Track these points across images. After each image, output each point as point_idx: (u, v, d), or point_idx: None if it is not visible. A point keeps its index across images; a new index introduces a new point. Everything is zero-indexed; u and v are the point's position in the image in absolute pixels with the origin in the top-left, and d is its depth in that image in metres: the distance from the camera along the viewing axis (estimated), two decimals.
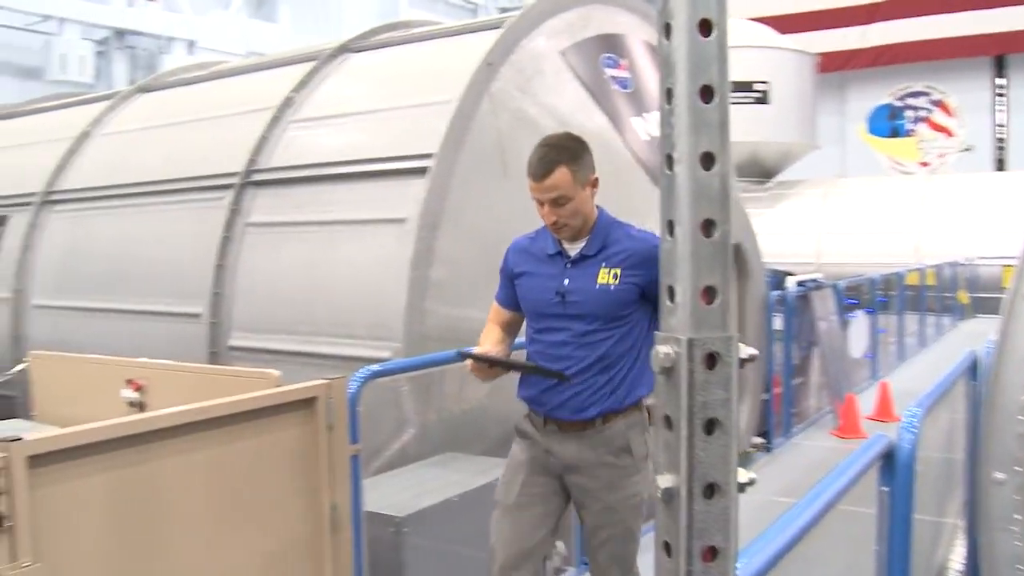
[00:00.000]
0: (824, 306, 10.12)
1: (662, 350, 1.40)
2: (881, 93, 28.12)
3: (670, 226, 1.41)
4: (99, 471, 3.02)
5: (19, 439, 2.73)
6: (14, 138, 10.25)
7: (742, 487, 1.44)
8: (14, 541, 2.72)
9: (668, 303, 1.42)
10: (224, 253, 6.67)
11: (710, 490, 1.39)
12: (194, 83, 9.10)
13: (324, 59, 7.53)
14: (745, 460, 8.09)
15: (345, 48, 7.69)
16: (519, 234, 5.95)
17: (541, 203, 3.46)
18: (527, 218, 5.89)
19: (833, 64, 27.73)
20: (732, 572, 1.40)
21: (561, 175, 3.37)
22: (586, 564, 5.55)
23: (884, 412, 9.60)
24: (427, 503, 4.50)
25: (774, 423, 8.73)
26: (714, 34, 1.37)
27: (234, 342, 6.51)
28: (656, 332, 1.45)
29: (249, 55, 18.09)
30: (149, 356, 5.22)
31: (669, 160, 1.40)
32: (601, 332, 3.43)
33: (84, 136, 8.88)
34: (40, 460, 2.80)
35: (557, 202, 3.39)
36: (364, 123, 6.63)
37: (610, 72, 6.73)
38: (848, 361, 10.77)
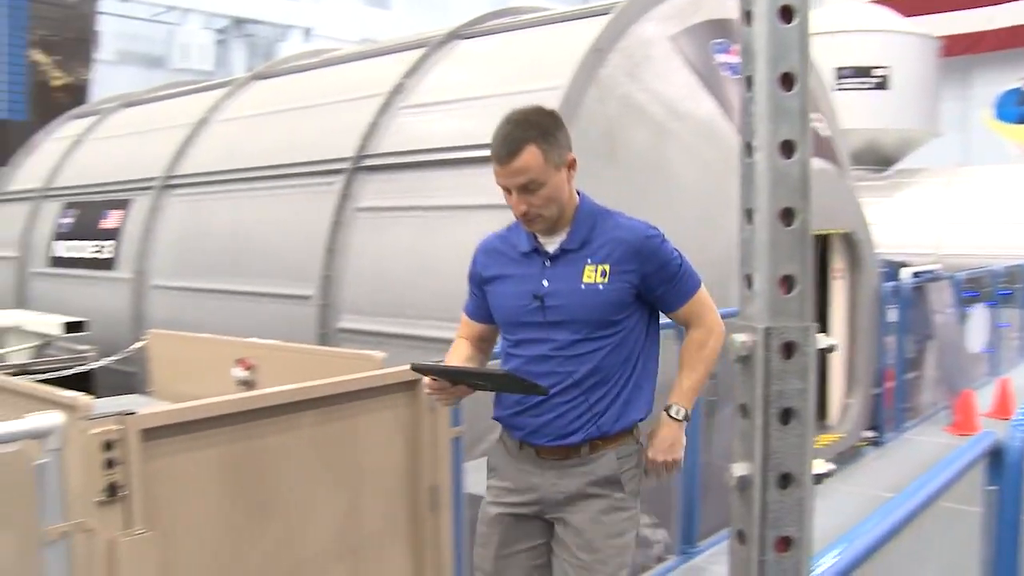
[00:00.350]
0: (941, 298, 9.82)
1: (739, 338, 1.39)
2: (1009, 77, 27.02)
3: (748, 214, 1.39)
4: (209, 445, 3.13)
5: (132, 413, 2.85)
6: (138, 125, 10.63)
7: (819, 478, 1.43)
8: (129, 510, 2.84)
9: (746, 291, 1.41)
10: (335, 237, 6.80)
11: (785, 480, 1.37)
12: (308, 70, 9.29)
13: (434, 46, 7.60)
14: (854, 454, 7.93)
15: (455, 35, 7.74)
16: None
17: (508, 190, 2.94)
18: (636, 205, 5.87)
19: (958, 47, 26.79)
20: (806, 563, 1.39)
21: (530, 155, 2.86)
22: (688, 553, 5.54)
23: (1002, 410, 9.27)
24: None
25: (886, 417, 8.53)
26: (795, 21, 1.35)
27: (343, 324, 6.65)
28: (736, 320, 1.44)
29: (363, 42, 18.38)
30: (261, 336, 5.37)
31: (748, 148, 1.38)
32: (589, 342, 2.89)
33: (202, 123, 9.14)
34: (153, 433, 2.92)
35: (527, 188, 2.87)
36: (472, 109, 6.67)
37: (721, 58, 6.64)
38: (965, 356, 10.43)
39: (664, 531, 5.59)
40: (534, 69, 6.52)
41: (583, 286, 2.89)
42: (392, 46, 8.53)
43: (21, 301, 10.13)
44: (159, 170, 8.93)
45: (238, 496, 3.21)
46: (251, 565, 3.26)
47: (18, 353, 7.51)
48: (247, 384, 4.81)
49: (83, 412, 2.83)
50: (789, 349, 1.38)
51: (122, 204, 9.29)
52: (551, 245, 2.99)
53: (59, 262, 10.02)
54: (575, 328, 2.89)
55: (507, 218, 5.72)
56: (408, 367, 3.74)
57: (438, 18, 18.83)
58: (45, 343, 7.67)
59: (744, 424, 1.40)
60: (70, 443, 2.75)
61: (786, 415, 1.38)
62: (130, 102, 11.77)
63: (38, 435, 2.70)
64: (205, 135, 9.00)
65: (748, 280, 1.40)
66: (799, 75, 1.35)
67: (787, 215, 1.37)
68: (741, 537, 1.40)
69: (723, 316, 3.10)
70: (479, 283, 3.16)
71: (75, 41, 18.16)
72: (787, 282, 1.37)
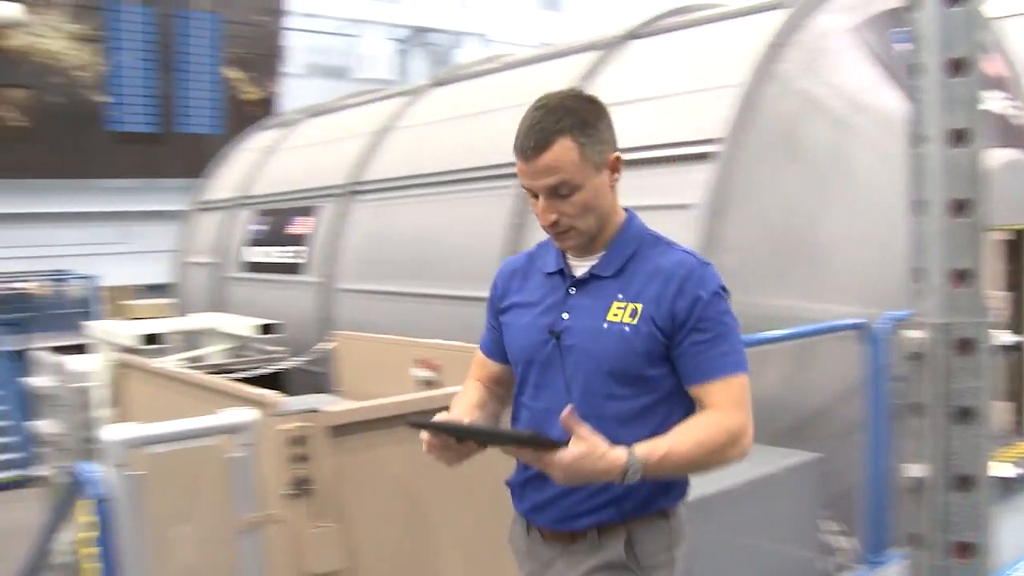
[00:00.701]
0: None
1: (911, 335, 1.33)
2: None
3: (919, 206, 1.33)
4: (391, 443, 3.21)
5: (315, 411, 2.96)
6: (324, 134, 11.03)
7: (1004, 483, 1.36)
8: (317, 504, 2.95)
9: (916, 285, 1.35)
10: (513, 238, 6.87)
11: (963, 482, 1.31)
12: (484, 75, 9.41)
13: (609, 47, 7.59)
14: None
15: (630, 35, 7.71)
16: (808, 220, 5.69)
17: (534, 194, 2.31)
18: (816, 202, 5.71)
19: None
20: (986, 573, 1.31)
21: (562, 150, 2.25)
22: (875, 563, 5.34)
23: None
24: (707, 491, 4.43)
25: None
26: (964, 4, 1.28)
27: None
28: (911, 317, 1.38)
29: (540, 45, 18.54)
30: (442, 337, 5.48)
31: (918, 138, 1.32)
32: (611, 402, 2.23)
33: (384, 130, 9.39)
34: (339, 430, 3.03)
35: (557, 192, 2.25)
36: (647, 110, 6.62)
37: (902, 47, 6.39)
38: None
39: (853, 539, 5.42)
40: (710, 66, 6.43)
41: (606, 325, 2.25)
42: (567, 49, 8.56)
43: (217, 304, 10.68)
44: (344, 177, 9.24)
45: (417, 493, 3.29)
46: (430, 558, 3.33)
47: (216, 353, 7.93)
48: (430, 384, 4.92)
49: (273, 409, 2.96)
50: (964, 346, 1.31)
51: (310, 211, 9.66)
52: (580, 268, 2.37)
53: (252, 267, 10.52)
54: (593, 379, 2.25)
55: (686, 218, 5.66)
56: None
57: (608, 18, 18.83)
58: (240, 344, 8.06)
59: (918, 424, 1.35)
60: (262, 438, 2.88)
61: (963, 414, 1.31)
62: (316, 112, 12.23)
63: (232, 430, 2.83)
64: (388, 142, 9.25)
65: (917, 274, 1.35)
66: (970, 61, 1.28)
67: (960, 207, 1.30)
68: (915, 541, 1.35)
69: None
70: (496, 313, 2.55)
71: (265, 57, 19.07)
72: (961, 276, 1.31)
